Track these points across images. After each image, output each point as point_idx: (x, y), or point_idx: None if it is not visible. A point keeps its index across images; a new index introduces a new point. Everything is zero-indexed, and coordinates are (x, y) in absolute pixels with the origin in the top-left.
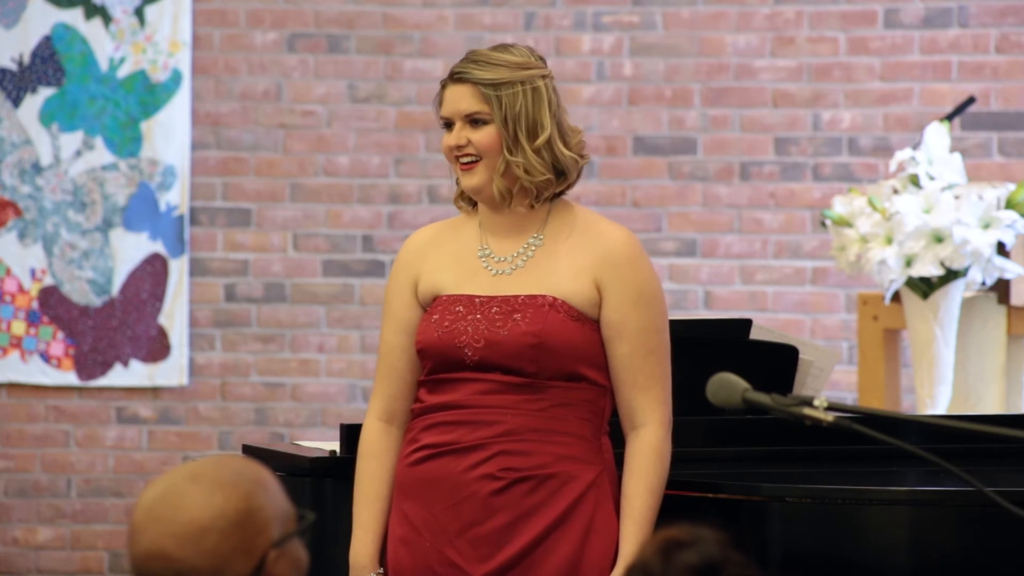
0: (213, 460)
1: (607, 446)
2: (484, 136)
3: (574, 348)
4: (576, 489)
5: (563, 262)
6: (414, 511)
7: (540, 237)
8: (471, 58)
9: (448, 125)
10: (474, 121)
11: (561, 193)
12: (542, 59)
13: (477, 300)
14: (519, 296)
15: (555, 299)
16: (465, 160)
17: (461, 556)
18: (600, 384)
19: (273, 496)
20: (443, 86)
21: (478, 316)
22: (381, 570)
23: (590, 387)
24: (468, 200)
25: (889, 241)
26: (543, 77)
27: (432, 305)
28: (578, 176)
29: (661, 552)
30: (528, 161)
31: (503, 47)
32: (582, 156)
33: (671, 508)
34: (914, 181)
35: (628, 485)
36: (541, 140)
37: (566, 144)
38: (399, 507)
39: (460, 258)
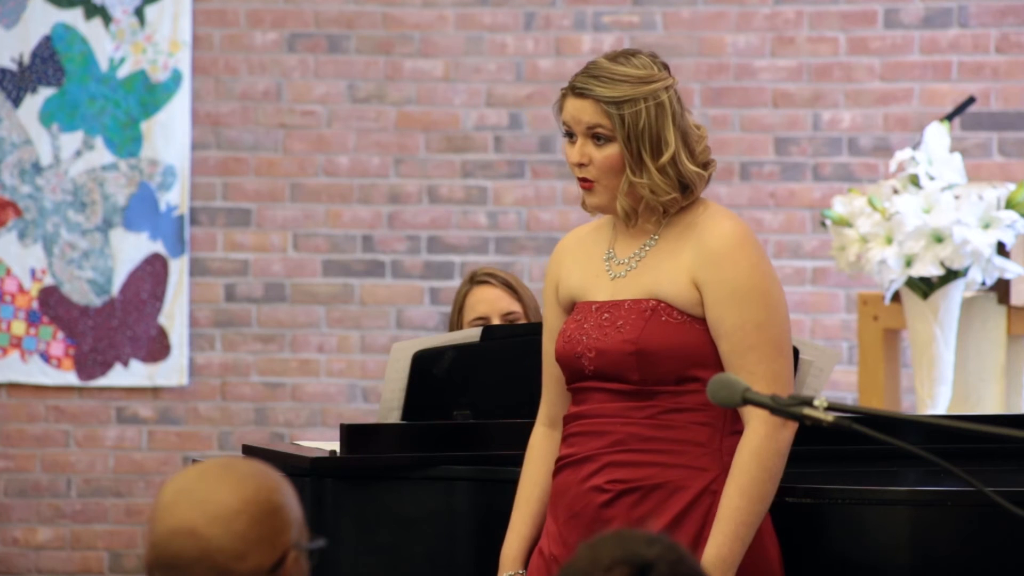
0: (234, 458)
1: (731, 448)
2: (606, 157)
3: (677, 352)
4: (683, 499)
5: (669, 263)
6: (549, 522)
7: (655, 237)
8: (592, 72)
9: (569, 133)
10: (596, 136)
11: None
12: (665, 66)
13: (594, 307)
14: (625, 302)
15: (658, 303)
16: (585, 179)
17: None
18: None
19: (294, 501)
20: (563, 94)
21: (592, 324)
22: (522, 571)
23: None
24: None
25: (889, 241)
26: (666, 89)
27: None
28: (705, 185)
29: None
30: (653, 181)
31: (625, 57)
32: (707, 166)
33: None
34: (914, 181)
35: (726, 485)
36: (665, 158)
37: (691, 155)
38: (548, 517)
39: (590, 262)
